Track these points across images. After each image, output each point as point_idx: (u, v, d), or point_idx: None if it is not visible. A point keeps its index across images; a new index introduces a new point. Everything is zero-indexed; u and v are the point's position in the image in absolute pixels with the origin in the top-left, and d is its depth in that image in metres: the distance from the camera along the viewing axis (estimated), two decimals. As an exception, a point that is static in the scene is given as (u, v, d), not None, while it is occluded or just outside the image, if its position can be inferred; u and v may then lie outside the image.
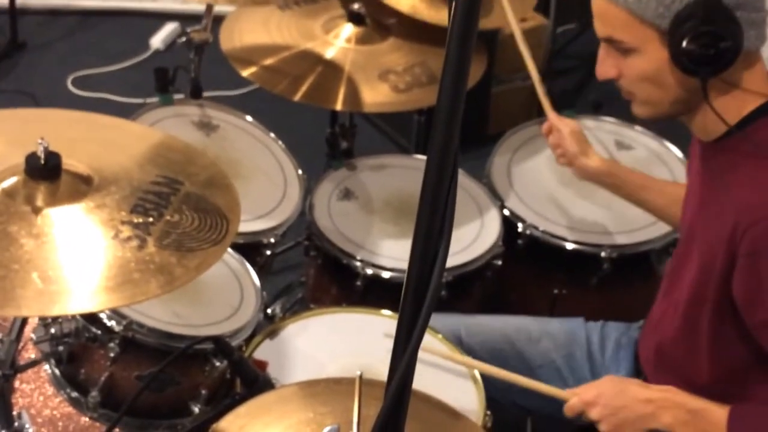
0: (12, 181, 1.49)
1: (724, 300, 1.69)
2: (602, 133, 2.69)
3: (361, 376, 1.44)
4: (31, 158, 1.48)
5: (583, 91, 3.82)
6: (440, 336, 2.03)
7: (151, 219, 1.49)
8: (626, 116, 2.66)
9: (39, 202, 1.48)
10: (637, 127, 2.69)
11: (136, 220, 1.49)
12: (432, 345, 1.98)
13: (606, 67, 1.70)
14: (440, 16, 2.43)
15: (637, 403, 1.76)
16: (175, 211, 1.52)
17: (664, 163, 2.60)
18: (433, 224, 0.83)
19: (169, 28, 4.15)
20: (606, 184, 2.19)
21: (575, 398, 1.82)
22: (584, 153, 2.17)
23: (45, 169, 1.48)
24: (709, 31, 1.55)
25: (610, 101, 3.04)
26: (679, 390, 1.76)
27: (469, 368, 1.97)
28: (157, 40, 4.09)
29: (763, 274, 1.60)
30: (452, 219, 0.82)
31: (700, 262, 1.72)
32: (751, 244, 1.59)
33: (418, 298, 0.86)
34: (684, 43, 1.57)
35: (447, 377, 1.97)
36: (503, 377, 1.93)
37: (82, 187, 1.52)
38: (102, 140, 1.65)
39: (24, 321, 1.83)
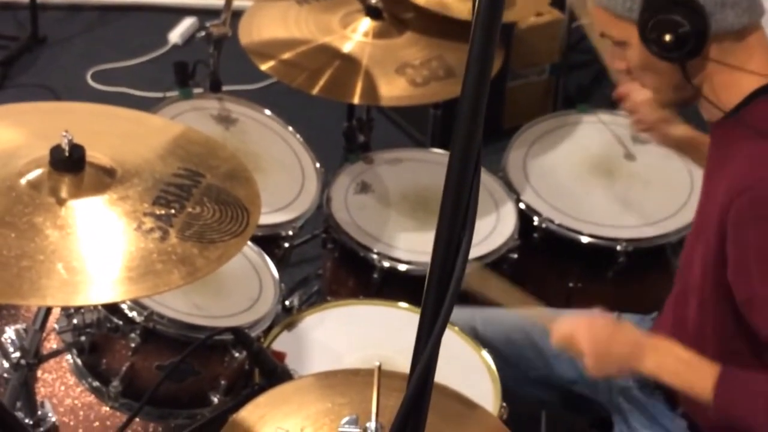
0: (37, 173, 1.51)
1: (721, 276, 1.69)
2: (619, 127, 2.69)
3: (380, 367, 1.45)
4: (56, 150, 1.50)
5: (599, 86, 3.83)
6: (456, 328, 2.05)
7: (173, 211, 1.51)
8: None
9: (63, 194, 1.49)
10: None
11: (158, 212, 1.50)
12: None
13: (615, 60, 1.78)
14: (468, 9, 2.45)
15: (624, 344, 1.77)
16: (197, 203, 1.54)
17: (679, 156, 2.60)
18: (457, 213, 0.84)
19: (187, 23, 4.18)
20: (688, 152, 2.19)
21: (565, 326, 1.82)
22: (666, 120, 2.16)
23: (69, 161, 1.49)
24: (666, 19, 1.61)
25: (626, 96, 3.04)
26: (672, 340, 1.75)
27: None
28: (176, 35, 4.12)
29: (749, 244, 1.62)
30: (476, 207, 0.83)
31: (704, 243, 1.74)
32: (736, 215, 1.62)
33: (441, 286, 0.88)
34: (648, 32, 1.64)
35: (463, 369, 1.98)
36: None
37: (106, 179, 1.53)
38: (124, 133, 1.66)
39: (48, 311, 1.85)
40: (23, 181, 1.50)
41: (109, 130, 1.66)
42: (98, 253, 1.43)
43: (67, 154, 1.49)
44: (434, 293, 0.88)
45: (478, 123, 0.84)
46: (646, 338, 1.78)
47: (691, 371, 1.71)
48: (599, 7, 1.71)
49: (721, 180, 1.70)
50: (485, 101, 0.85)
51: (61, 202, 1.48)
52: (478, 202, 0.85)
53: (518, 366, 2.05)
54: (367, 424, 1.39)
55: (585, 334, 1.79)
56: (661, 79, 1.72)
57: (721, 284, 1.71)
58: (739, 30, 1.65)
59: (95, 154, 1.54)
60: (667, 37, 1.62)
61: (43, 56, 4.00)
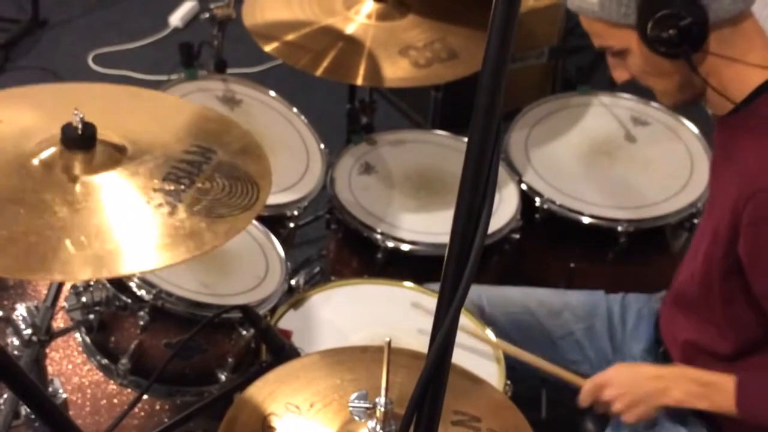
0: (49, 151, 1.52)
1: (730, 270, 1.73)
2: (619, 109, 2.71)
3: (389, 343, 1.47)
4: (68, 128, 1.51)
5: (598, 68, 3.83)
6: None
7: (182, 186, 1.52)
8: (643, 93, 2.69)
9: (75, 171, 1.50)
10: (653, 104, 2.71)
11: (168, 188, 1.51)
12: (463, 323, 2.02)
13: (618, 72, 1.77)
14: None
15: (648, 380, 1.82)
16: (207, 178, 1.54)
17: (679, 138, 2.63)
18: (477, 185, 0.86)
19: (187, 6, 4.18)
20: None
21: (588, 382, 1.88)
22: None
23: (81, 139, 1.50)
24: (665, 15, 1.61)
25: (627, 78, 3.05)
26: (687, 366, 1.82)
27: (494, 348, 2.01)
28: (176, 18, 4.12)
29: (763, 243, 1.65)
30: (495, 180, 0.85)
31: (712, 233, 1.76)
32: (752, 214, 1.63)
33: (461, 258, 0.89)
34: (649, 32, 1.63)
35: (469, 347, 2.00)
36: (527, 360, 1.98)
37: (116, 156, 1.54)
38: (134, 111, 1.67)
39: (59, 289, 1.87)
40: (35, 159, 1.50)
41: (119, 108, 1.67)
42: (107, 229, 1.44)
43: (79, 132, 1.50)
44: (454, 265, 0.90)
45: (499, 95, 0.86)
46: (664, 370, 1.84)
47: (712, 391, 1.77)
48: (593, 19, 1.70)
49: (728, 173, 1.72)
50: (506, 74, 0.86)
51: (72, 179, 1.49)
52: (498, 174, 0.87)
53: (524, 346, 2.07)
54: (377, 400, 1.40)
55: (610, 386, 1.85)
56: (666, 81, 1.72)
57: (723, 274, 1.75)
58: (734, 17, 1.65)
59: (106, 132, 1.55)
60: (669, 33, 1.61)
61: (44, 39, 3.99)
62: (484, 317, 2.10)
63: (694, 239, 1.94)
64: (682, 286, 1.92)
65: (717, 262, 1.75)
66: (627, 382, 1.84)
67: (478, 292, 2.15)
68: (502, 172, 2.50)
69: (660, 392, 1.81)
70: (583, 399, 1.90)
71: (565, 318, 2.13)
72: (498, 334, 2.04)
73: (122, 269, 1.43)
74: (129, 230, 1.43)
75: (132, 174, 1.52)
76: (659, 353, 1.98)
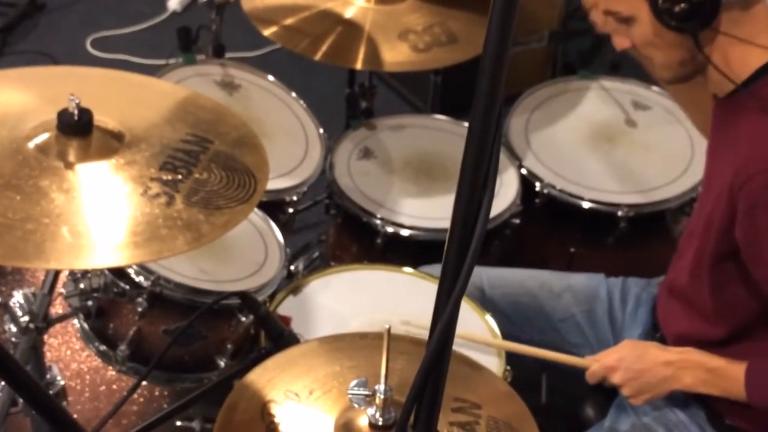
0: (44, 136, 1.50)
1: (722, 256, 1.73)
2: (619, 93, 2.70)
3: (389, 330, 1.46)
4: (64, 114, 1.49)
5: (600, 52, 3.81)
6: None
7: (180, 176, 1.50)
8: (644, 76, 2.68)
9: (70, 158, 1.48)
10: (654, 88, 2.70)
11: (165, 177, 1.49)
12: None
13: (619, 39, 1.75)
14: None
15: (657, 366, 1.81)
16: (204, 169, 1.53)
17: (680, 122, 2.61)
18: (478, 173, 0.85)
19: (185, -10, 4.17)
20: None
21: (596, 365, 1.87)
22: None
23: (77, 125, 1.48)
24: None
25: (628, 61, 3.03)
26: (697, 350, 1.80)
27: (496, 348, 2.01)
28: (174, 2, 4.10)
29: (760, 227, 1.63)
30: (497, 168, 0.84)
31: (705, 220, 1.75)
32: (747, 199, 1.63)
33: (462, 246, 0.88)
34: (660, 3, 1.61)
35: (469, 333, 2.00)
36: (526, 353, 1.98)
37: (113, 143, 1.52)
38: (132, 98, 1.66)
39: (56, 275, 1.86)
40: (31, 144, 1.49)
41: (116, 95, 1.66)
42: (103, 218, 1.43)
43: (75, 117, 1.48)
44: (455, 253, 0.89)
45: (500, 81, 0.85)
46: (674, 355, 1.82)
47: (722, 378, 1.77)
48: None
49: (724, 155, 1.71)
50: (507, 60, 0.85)
51: (68, 166, 1.47)
52: (499, 161, 0.86)
53: (525, 329, 2.07)
54: (376, 387, 1.40)
55: (619, 370, 1.84)
56: (668, 54, 1.70)
57: (715, 257, 1.74)
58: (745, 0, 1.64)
59: (103, 119, 1.53)
60: (681, 7, 1.60)
61: (42, 23, 3.98)
62: (485, 299, 2.09)
63: (687, 227, 1.93)
64: (675, 276, 1.91)
65: (708, 249, 1.75)
66: (636, 367, 1.83)
67: (479, 274, 2.15)
68: (502, 157, 2.49)
69: (670, 379, 1.81)
70: (591, 379, 1.90)
71: (565, 301, 2.12)
72: (498, 317, 2.03)
73: (119, 259, 1.41)
74: (126, 220, 1.42)
75: (129, 162, 1.50)
76: (656, 339, 1.97)
